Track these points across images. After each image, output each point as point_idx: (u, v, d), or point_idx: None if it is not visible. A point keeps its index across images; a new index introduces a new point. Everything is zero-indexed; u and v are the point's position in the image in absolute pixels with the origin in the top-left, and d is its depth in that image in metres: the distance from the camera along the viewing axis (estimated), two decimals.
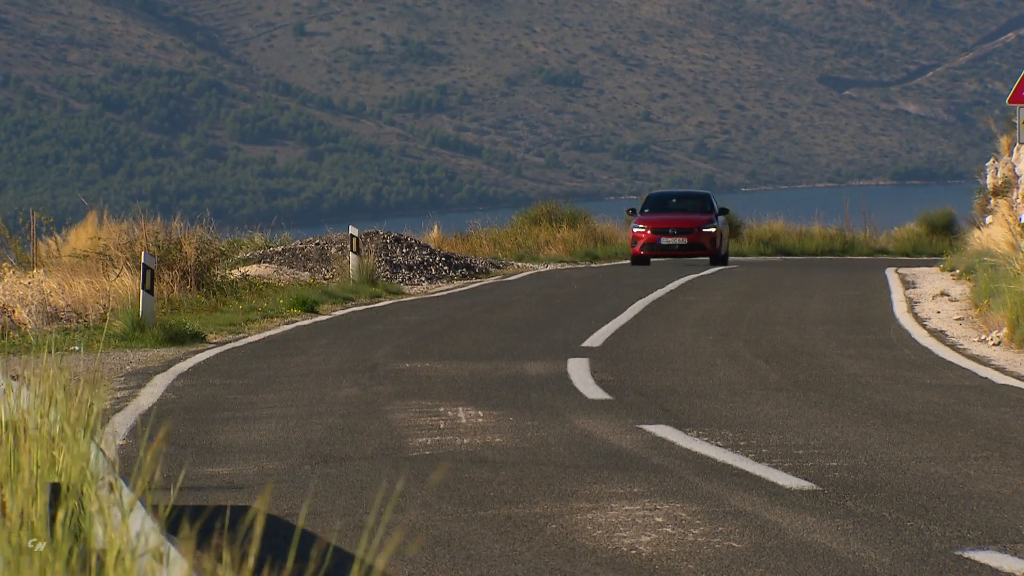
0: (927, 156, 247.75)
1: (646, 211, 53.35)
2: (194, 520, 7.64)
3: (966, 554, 10.25)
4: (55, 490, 8.08)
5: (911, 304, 32.93)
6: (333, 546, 11.18)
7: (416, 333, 29.58)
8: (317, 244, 49.14)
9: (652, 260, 52.68)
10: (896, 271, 43.44)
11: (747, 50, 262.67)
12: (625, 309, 32.59)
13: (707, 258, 51.94)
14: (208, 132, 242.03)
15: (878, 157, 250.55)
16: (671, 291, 38.59)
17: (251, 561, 6.33)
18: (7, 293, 33.10)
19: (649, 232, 51.67)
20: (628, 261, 60.20)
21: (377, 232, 52.23)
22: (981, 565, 10.00)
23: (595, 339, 26.83)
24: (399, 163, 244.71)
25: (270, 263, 44.00)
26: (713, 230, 51.87)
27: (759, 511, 12.08)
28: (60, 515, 7.53)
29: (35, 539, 8.22)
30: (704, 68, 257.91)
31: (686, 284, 41.12)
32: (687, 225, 52.08)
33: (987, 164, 46.00)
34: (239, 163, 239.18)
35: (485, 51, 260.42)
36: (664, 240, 51.80)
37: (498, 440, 16.03)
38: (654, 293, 37.21)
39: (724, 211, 53.76)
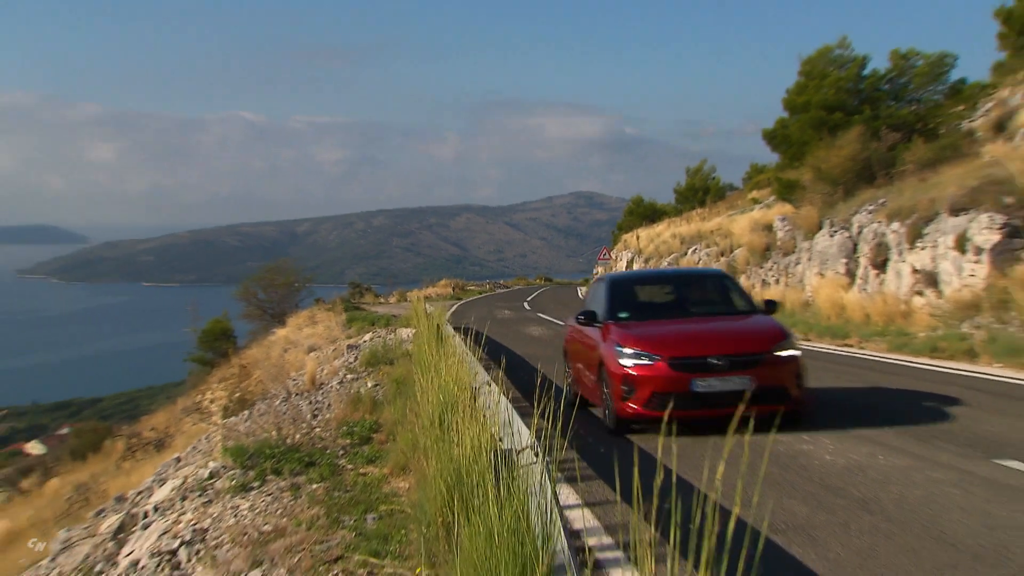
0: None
1: (623, 316, 9.73)
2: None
3: None
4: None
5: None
6: (489, 338, 15.54)
7: (487, 304, 35.37)
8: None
9: (676, 422, 8.72)
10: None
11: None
12: (531, 295, 39.98)
13: (788, 412, 9.15)
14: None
15: None
16: (543, 290, 44.80)
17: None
18: (374, 308, 33.76)
19: (665, 365, 8.69)
20: (530, 284, 54.42)
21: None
22: None
23: (528, 303, 33.94)
24: None
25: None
26: (796, 352, 8.90)
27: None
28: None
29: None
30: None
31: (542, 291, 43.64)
32: (727, 349, 8.92)
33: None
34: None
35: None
36: (700, 384, 8.76)
37: (508, 314, 25.42)
38: (538, 291, 44.25)
39: (771, 305, 10.24)
